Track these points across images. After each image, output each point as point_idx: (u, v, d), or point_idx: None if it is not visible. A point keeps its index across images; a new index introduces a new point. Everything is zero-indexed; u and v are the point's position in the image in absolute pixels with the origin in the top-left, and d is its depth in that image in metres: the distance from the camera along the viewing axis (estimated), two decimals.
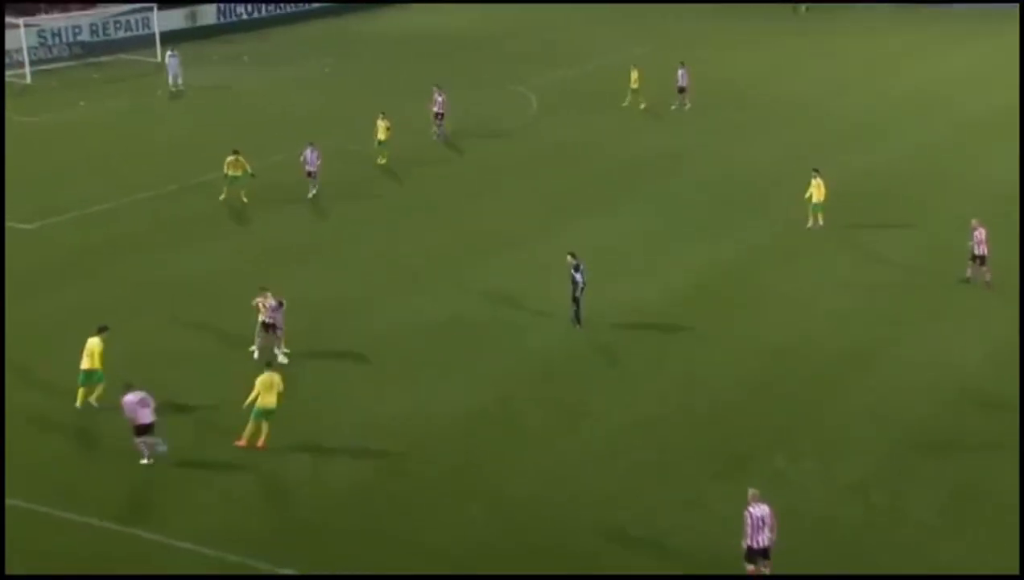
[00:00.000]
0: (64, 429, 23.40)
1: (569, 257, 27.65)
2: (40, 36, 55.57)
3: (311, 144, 37.23)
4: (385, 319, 28.35)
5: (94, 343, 24.23)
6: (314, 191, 37.02)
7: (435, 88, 44.10)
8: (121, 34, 58.20)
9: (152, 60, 55.97)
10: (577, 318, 27.56)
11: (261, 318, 25.97)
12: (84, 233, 34.14)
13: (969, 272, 30.03)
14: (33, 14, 55.86)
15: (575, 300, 27.47)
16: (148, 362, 25.69)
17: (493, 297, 29.60)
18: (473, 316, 28.59)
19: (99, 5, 59.17)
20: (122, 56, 56.39)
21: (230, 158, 36.45)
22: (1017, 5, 64.88)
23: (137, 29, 59.51)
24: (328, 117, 46.97)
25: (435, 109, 43.98)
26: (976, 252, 29.67)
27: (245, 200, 36.30)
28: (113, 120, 47.11)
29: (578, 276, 27.33)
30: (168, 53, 52.93)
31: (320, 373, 25.53)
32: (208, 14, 66.03)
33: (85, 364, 24.07)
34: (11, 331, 27.28)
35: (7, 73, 52.05)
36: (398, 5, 73.81)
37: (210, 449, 22.55)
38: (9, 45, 54.03)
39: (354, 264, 32.00)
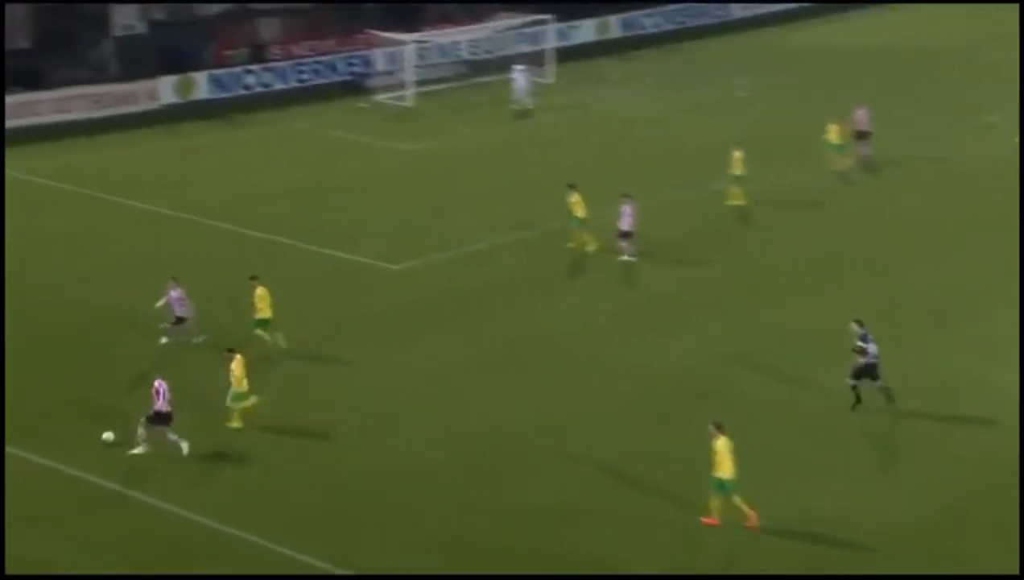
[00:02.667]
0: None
1: (855, 325, 26.22)
2: (424, 54, 57.50)
3: (628, 198, 35.18)
4: (787, 393, 26.68)
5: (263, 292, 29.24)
6: (627, 256, 35.04)
7: (857, 106, 41.99)
8: (511, 51, 59.18)
9: (543, 81, 56.58)
10: (888, 395, 26.01)
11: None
12: (451, 277, 34.55)
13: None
14: (417, 29, 58.03)
15: (865, 375, 26.02)
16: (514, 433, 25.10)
17: (931, 381, 27.27)
18: (899, 402, 26.05)
19: (491, 19, 60.67)
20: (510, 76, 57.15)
21: (574, 197, 35.76)
22: None
23: (531, 44, 60.46)
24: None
25: (857, 128, 41.67)
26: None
27: (589, 248, 35.47)
28: (494, 147, 47.85)
29: (871, 347, 25.91)
30: (514, 68, 53.35)
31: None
32: (612, 27, 66.51)
33: (267, 314, 29.02)
34: (361, 388, 27.78)
35: (387, 96, 54.17)
36: (850, 12, 71.02)
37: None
38: (389, 65, 56.37)
39: (754, 323, 30.72)
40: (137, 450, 24.61)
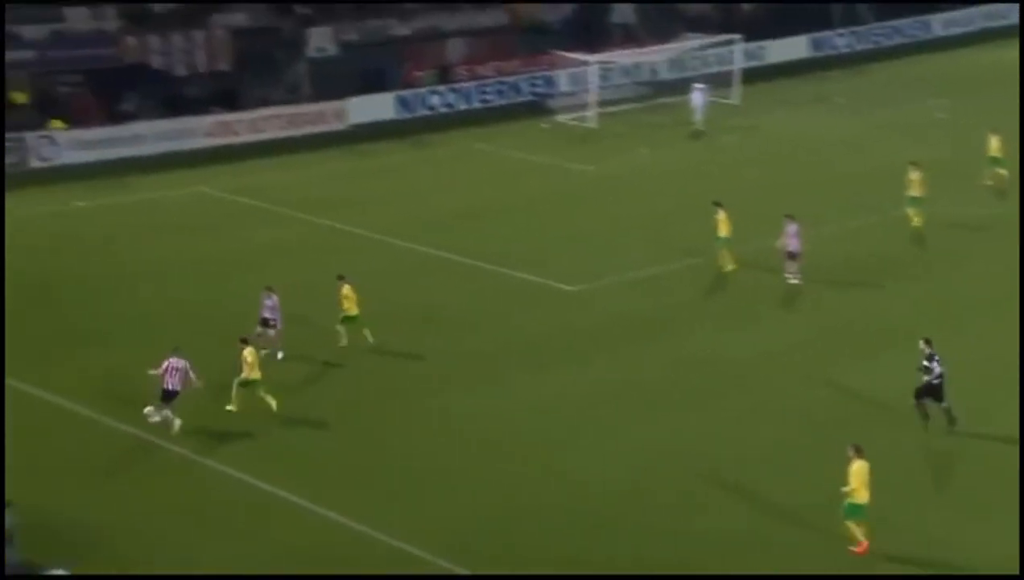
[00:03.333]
0: None
1: (923, 344, 26.43)
2: (608, 74, 58.01)
3: (791, 219, 35.22)
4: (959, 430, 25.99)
5: (349, 290, 30.55)
6: (794, 279, 35.05)
7: None
8: (697, 72, 59.25)
9: (729, 101, 56.56)
10: (950, 417, 26.30)
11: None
12: (626, 300, 34.82)
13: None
14: (602, 49, 58.63)
15: (929, 394, 26.25)
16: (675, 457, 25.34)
17: None
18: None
19: (676, 39, 60.92)
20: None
21: (719, 216, 35.98)
22: None
23: (718, 65, 60.50)
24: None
25: None
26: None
27: (729, 267, 35.90)
28: (675, 169, 47.84)
29: (935, 366, 26.18)
30: (694, 86, 53.71)
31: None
32: (803, 47, 66.06)
33: (354, 311, 30.39)
34: (532, 407, 28.39)
35: (570, 116, 54.90)
36: None
37: None
38: (572, 85, 57.05)
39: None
40: (154, 418, 26.84)
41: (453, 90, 56.72)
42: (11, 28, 49.78)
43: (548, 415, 28.07)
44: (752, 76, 59.34)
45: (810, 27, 67.41)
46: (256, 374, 27.36)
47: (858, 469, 22.15)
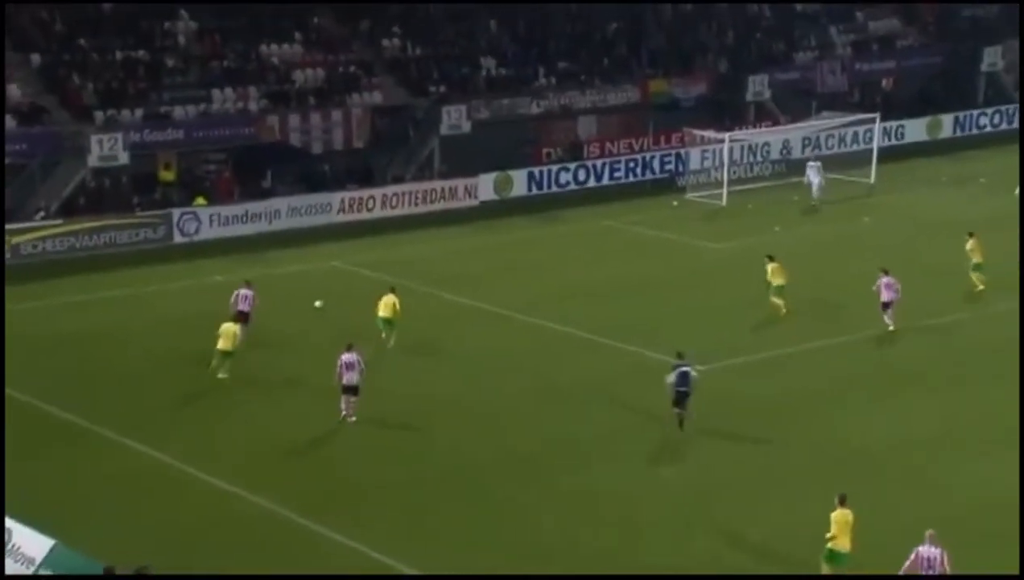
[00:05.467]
0: None
1: (676, 358, 30.40)
2: (740, 152, 58.53)
3: (884, 272, 37.53)
4: None
5: (394, 299, 35.97)
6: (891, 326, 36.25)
7: None
8: (833, 150, 59.45)
9: (865, 181, 56.59)
10: (681, 421, 30.29)
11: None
12: (759, 380, 34.96)
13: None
14: (735, 127, 59.25)
15: (677, 403, 30.27)
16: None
17: None
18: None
19: (812, 118, 61.28)
20: (831, 176, 57.40)
21: (773, 265, 39.05)
22: None
23: (853, 144, 60.65)
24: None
25: None
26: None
27: (783, 311, 38.93)
28: (805, 250, 47.69)
29: (671, 377, 30.12)
30: (809, 163, 54.75)
31: None
32: (944, 127, 66.01)
33: (386, 314, 35.90)
34: (661, 487, 28.83)
35: (700, 194, 55.45)
36: None
37: None
38: (705, 162, 57.64)
39: None
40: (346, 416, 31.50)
41: (583, 167, 57.79)
42: (164, 109, 52.64)
43: (677, 496, 28.33)
44: (891, 155, 59.45)
45: (953, 106, 67.23)
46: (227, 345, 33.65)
47: (838, 517, 23.33)
